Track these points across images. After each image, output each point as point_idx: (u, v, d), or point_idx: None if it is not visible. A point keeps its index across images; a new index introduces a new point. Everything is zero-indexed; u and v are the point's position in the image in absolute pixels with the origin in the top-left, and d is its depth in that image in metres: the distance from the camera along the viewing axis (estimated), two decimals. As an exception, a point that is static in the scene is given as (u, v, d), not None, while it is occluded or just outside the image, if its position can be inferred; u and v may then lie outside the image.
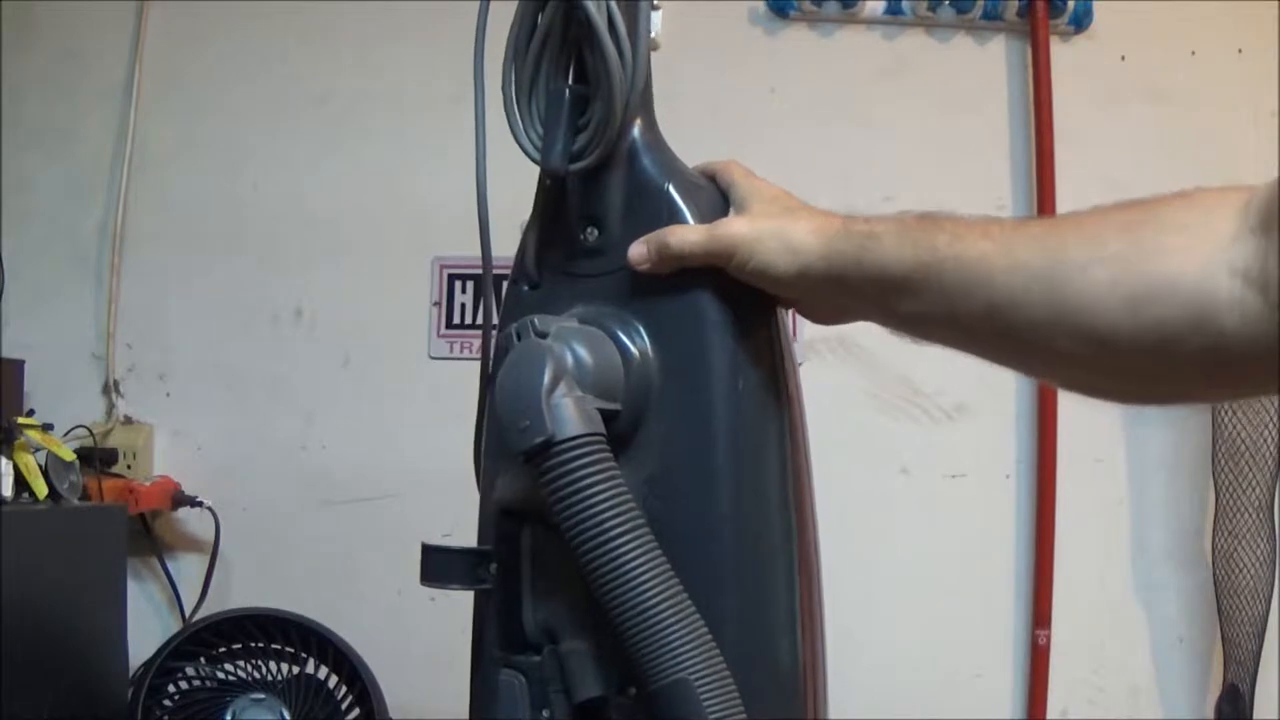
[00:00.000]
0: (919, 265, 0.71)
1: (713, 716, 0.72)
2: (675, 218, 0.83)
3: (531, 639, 0.83)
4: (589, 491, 0.74)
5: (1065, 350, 0.64)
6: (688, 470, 0.83)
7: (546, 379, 0.76)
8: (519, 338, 0.79)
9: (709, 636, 0.74)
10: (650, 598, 0.73)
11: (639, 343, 0.83)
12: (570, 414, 0.76)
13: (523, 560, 0.83)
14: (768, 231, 0.76)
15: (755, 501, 0.87)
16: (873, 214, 0.77)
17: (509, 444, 0.76)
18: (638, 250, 0.79)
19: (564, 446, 0.74)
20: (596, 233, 0.85)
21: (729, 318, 0.83)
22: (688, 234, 0.78)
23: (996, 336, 0.69)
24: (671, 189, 0.84)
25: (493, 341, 0.88)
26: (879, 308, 0.77)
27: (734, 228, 0.77)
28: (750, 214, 0.78)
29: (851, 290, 0.75)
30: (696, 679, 0.72)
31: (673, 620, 0.73)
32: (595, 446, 0.75)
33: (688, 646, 0.73)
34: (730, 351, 0.83)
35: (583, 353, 0.80)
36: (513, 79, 0.85)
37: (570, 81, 0.84)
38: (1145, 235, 0.62)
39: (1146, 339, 0.60)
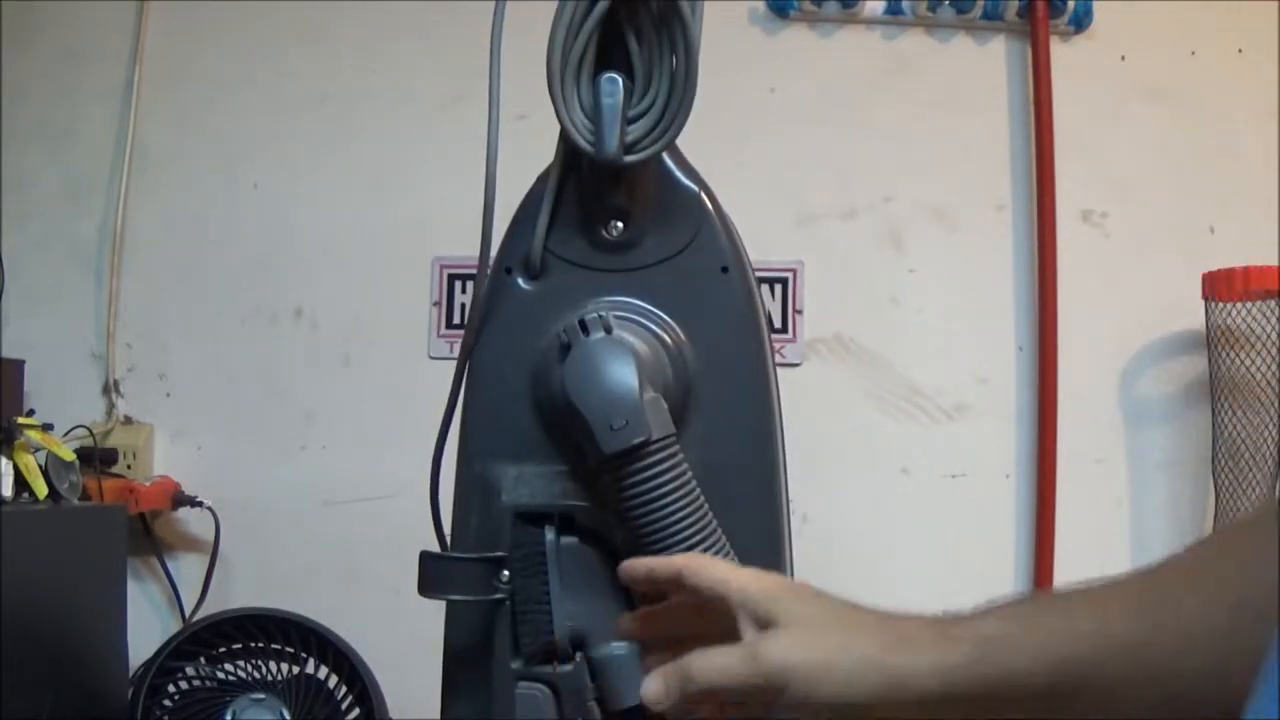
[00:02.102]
0: (1067, 662, 0.53)
1: None
2: (705, 222, 0.82)
3: (560, 648, 0.80)
4: (682, 491, 0.73)
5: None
6: (742, 459, 0.82)
7: (639, 377, 0.74)
8: (587, 331, 0.77)
9: None
10: None
11: (674, 336, 0.83)
12: (662, 413, 0.75)
13: (550, 566, 0.81)
14: (832, 656, 0.58)
15: (784, 489, 0.87)
16: (947, 609, 0.59)
17: (599, 444, 0.73)
18: (654, 688, 0.63)
19: (658, 445, 0.73)
20: (622, 227, 0.84)
21: (759, 311, 0.83)
22: (720, 661, 0.61)
23: None
24: (703, 195, 0.84)
25: (475, 336, 0.86)
26: None
27: (786, 653, 0.59)
28: (799, 633, 0.60)
29: (962, 711, 0.56)
30: None
31: None
32: (678, 445, 0.75)
33: None
34: (766, 344, 0.84)
35: (641, 347, 0.79)
36: (559, 70, 0.81)
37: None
38: None
39: None
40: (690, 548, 0.73)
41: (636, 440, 0.73)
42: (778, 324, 2.05)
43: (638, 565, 0.69)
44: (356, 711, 1.78)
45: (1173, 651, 0.50)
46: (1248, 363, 1.90)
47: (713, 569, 0.65)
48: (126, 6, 2.16)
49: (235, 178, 2.15)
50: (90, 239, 2.14)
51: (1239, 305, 1.90)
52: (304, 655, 1.78)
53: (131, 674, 1.83)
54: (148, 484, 1.99)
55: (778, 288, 2.06)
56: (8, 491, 1.61)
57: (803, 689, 0.58)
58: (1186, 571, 0.53)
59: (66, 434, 1.94)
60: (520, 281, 0.86)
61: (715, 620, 0.64)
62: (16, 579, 1.50)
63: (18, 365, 1.91)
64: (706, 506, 0.75)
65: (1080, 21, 2.09)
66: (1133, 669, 0.51)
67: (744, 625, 0.62)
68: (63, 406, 1.97)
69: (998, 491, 2.06)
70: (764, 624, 0.61)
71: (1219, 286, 1.92)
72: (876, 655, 0.57)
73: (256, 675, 1.76)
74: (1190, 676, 0.50)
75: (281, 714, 1.72)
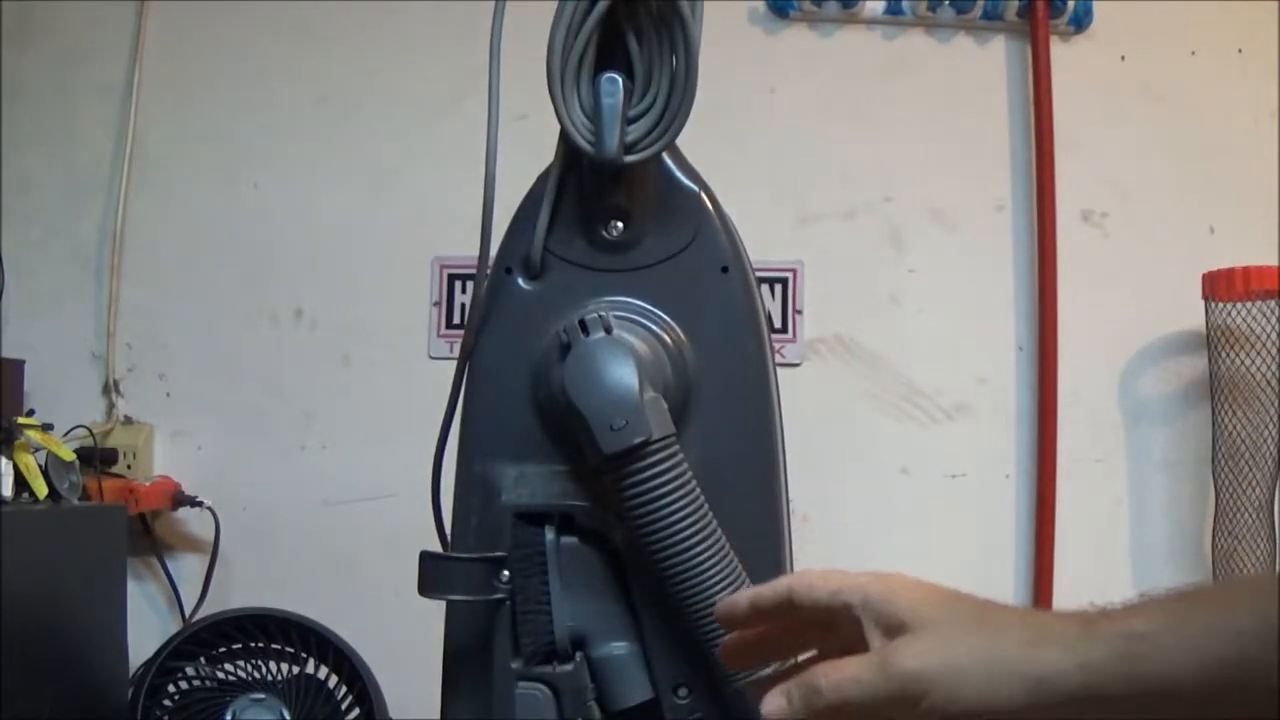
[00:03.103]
0: (1224, 665, 0.49)
1: None
2: (705, 222, 0.82)
3: (560, 648, 0.81)
4: (683, 491, 0.73)
5: None
6: (742, 459, 0.82)
7: (639, 377, 0.74)
8: (587, 331, 0.77)
9: None
10: None
11: (675, 336, 0.83)
12: (662, 413, 0.75)
13: (550, 566, 0.81)
14: (970, 659, 0.54)
15: (784, 489, 0.87)
16: (1094, 606, 0.56)
17: (599, 444, 0.73)
18: (775, 703, 0.58)
19: (659, 445, 0.74)
20: (622, 227, 0.84)
21: (759, 311, 0.83)
22: (850, 672, 0.56)
23: None
24: (703, 195, 0.84)
25: (475, 336, 0.86)
26: None
27: (922, 659, 0.55)
28: (933, 637, 0.56)
29: (1106, 712, 0.53)
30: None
31: None
32: (678, 445, 0.75)
33: None
34: (766, 344, 0.84)
35: (641, 347, 0.79)
36: (559, 70, 0.81)
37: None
38: None
39: None
40: (690, 548, 0.74)
41: (636, 440, 0.73)
42: (778, 324, 2.05)
43: (738, 602, 0.63)
44: (356, 711, 1.78)
45: None
46: (1248, 363, 1.90)
47: (827, 580, 0.60)
48: (126, 6, 2.16)
49: (235, 178, 2.15)
50: (90, 239, 2.14)
51: (1239, 305, 1.90)
52: (304, 655, 1.78)
53: (131, 674, 1.83)
54: (148, 484, 1.99)
55: (778, 288, 2.06)
56: (8, 491, 1.61)
57: (943, 696, 0.54)
58: None
59: (66, 434, 1.94)
60: (520, 281, 0.86)
61: (824, 637, 0.61)
62: (16, 579, 1.50)
63: (18, 365, 1.91)
64: (706, 506, 0.75)
65: (1080, 21, 2.09)
66: None
67: (870, 633, 0.57)
68: (63, 406, 1.97)
69: (998, 491, 2.06)
70: (892, 630, 0.57)
71: (1219, 286, 1.92)
72: (1019, 655, 0.53)
73: (256, 675, 1.76)
74: None
75: (281, 714, 1.72)
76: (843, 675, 0.56)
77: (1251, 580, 0.53)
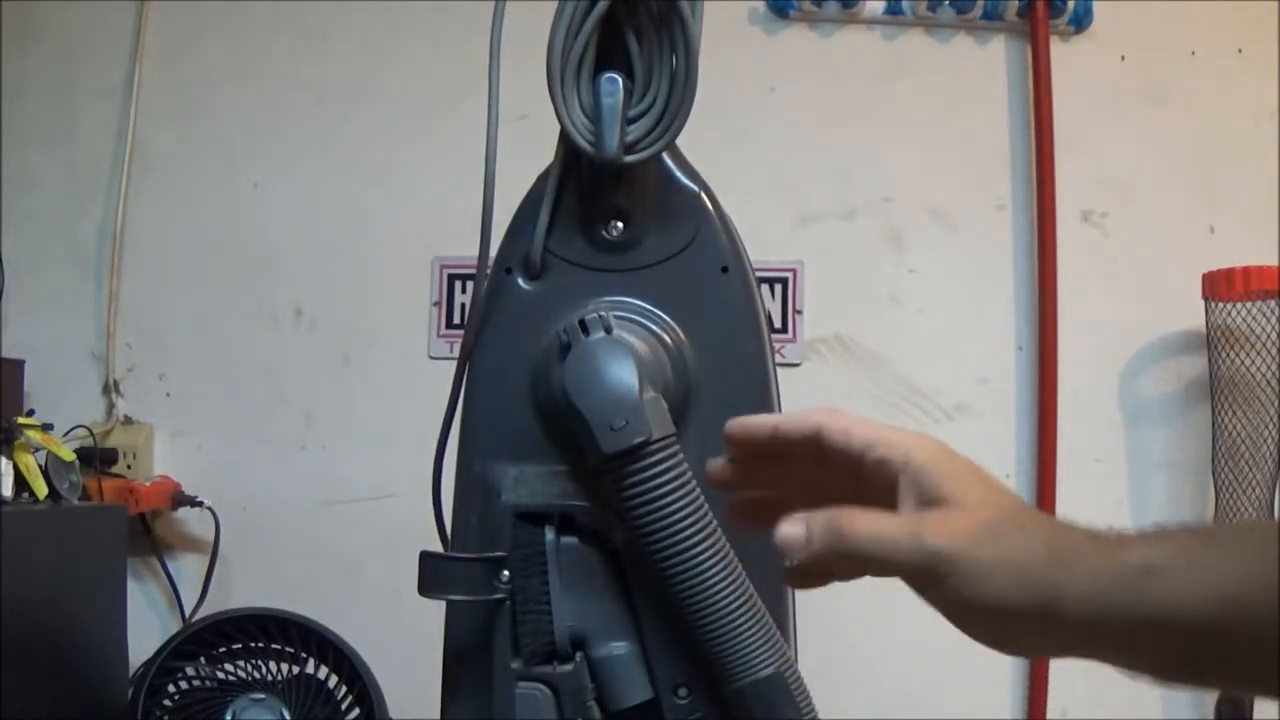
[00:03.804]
0: (1223, 603, 0.49)
1: (801, 702, 0.73)
2: (705, 222, 0.82)
3: (560, 648, 0.81)
4: (683, 491, 0.73)
5: None
6: None
7: (639, 377, 0.74)
8: (587, 331, 0.76)
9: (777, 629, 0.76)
10: (743, 595, 0.74)
11: (675, 336, 0.83)
12: (662, 413, 0.75)
13: (550, 566, 0.81)
14: (997, 556, 0.53)
15: None
16: (1106, 529, 0.55)
17: (599, 443, 0.73)
18: (793, 531, 0.56)
19: (659, 446, 0.74)
20: (622, 227, 0.84)
21: (759, 311, 0.83)
22: (880, 529, 0.55)
23: None
24: (703, 195, 0.84)
25: (475, 336, 0.86)
26: (1148, 656, 0.53)
27: (953, 541, 0.53)
28: (968, 522, 0.54)
29: (1112, 638, 0.52)
30: (786, 671, 0.74)
31: (760, 615, 0.74)
32: (678, 445, 0.75)
33: (775, 640, 0.74)
34: (766, 344, 0.84)
35: (641, 347, 0.79)
36: (559, 70, 0.81)
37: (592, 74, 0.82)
38: None
39: None
40: (690, 547, 0.73)
41: (636, 440, 0.73)
42: (778, 324, 2.05)
43: (759, 423, 0.60)
44: (356, 711, 1.78)
45: None
46: (1248, 363, 1.90)
47: (865, 428, 0.58)
48: (126, 6, 2.16)
49: (235, 178, 2.15)
50: (90, 239, 2.14)
51: (1239, 305, 1.90)
52: (304, 655, 1.78)
53: (131, 674, 1.83)
54: (148, 484, 1.99)
55: (778, 288, 2.06)
56: (8, 491, 1.61)
57: (963, 584, 0.52)
58: None
59: (66, 434, 1.94)
60: (520, 281, 0.86)
61: (845, 486, 0.58)
62: (16, 579, 1.50)
63: (18, 365, 1.91)
64: (707, 506, 0.75)
65: (1080, 21, 2.09)
66: None
67: (905, 495, 0.55)
68: (63, 406, 1.97)
69: (998, 491, 2.06)
70: (929, 500, 0.55)
71: (1219, 286, 1.92)
72: (1042, 570, 0.52)
73: (256, 675, 1.76)
74: None
75: (281, 714, 1.72)
76: (872, 527, 0.54)
77: (1259, 525, 0.53)
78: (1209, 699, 1.98)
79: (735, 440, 0.63)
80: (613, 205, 0.84)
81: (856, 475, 0.58)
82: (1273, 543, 0.50)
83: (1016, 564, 0.52)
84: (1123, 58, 2.12)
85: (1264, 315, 1.88)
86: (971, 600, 0.53)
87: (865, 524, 0.54)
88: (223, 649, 1.79)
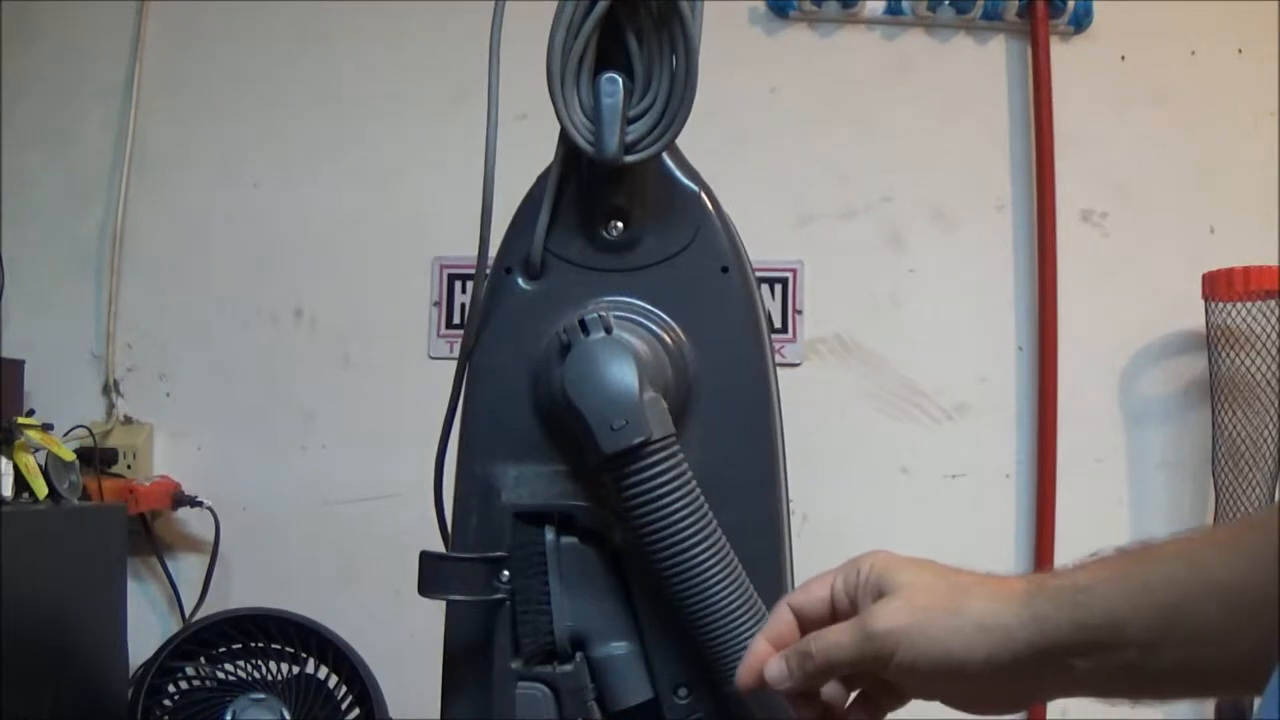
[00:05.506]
0: (1165, 609, 0.52)
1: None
2: (705, 222, 0.82)
3: (560, 648, 0.81)
4: (683, 491, 0.73)
5: None
6: (742, 460, 0.82)
7: (639, 377, 0.74)
8: (587, 331, 0.76)
9: None
10: (743, 595, 0.74)
11: (674, 336, 0.83)
12: (662, 413, 0.75)
13: (550, 566, 0.81)
14: (936, 612, 0.59)
15: (784, 489, 0.88)
16: (1050, 569, 0.60)
17: (599, 444, 0.73)
18: (776, 669, 0.64)
19: (658, 446, 0.73)
20: (622, 227, 0.84)
21: (759, 311, 0.83)
22: (834, 639, 0.62)
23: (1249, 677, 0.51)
24: (703, 195, 0.84)
25: (475, 336, 0.86)
26: (1096, 674, 0.56)
27: (892, 619, 0.59)
28: (905, 600, 0.61)
29: (1058, 662, 0.56)
30: None
31: (760, 615, 0.75)
32: (677, 445, 0.75)
33: None
34: (766, 344, 0.84)
35: (641, 347, 0.79)
36: (559, 70, 0.81)
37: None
38: None
39: None
40: (690, 547, 0.73)
41: (636, 440, 0.73)
42: (778, 324, 2.05)
43: (757, 658, 0.66)
44: (356, 711, 1.78)
45: (1267, 587, 0.49)
46: (1248, 363, 1.90)
47: (819, 578, 0.66)
48: (126, 6, 2.16)
49: (235, 178, 2.15)
50: (90, 239, 2.14)
51: (1239, 305, 1.90)
52: (304, 655, 1.78)
53: (131, 674, 1.83)
54: (148, 484, 1.99)
55: (778, 288, 2.06)
56: (8, 491, 1.61)
57: (910, 652, 0.58)
58: None
59: (66, 434, 1.94)
60: (520, 281, 0.86)
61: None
62: (16, 579, 1.50)
63: (18, 365, 1.91)
64: (706, 506, 0.75)
65: (1080, 21, 2.09)
66: (1228, 610, 0.51)
67: (863, 603, 0.63)
68: (63, 406, 1.97)
69: (998, 491, 2.06)
70: (878, 596, 0.62)
71: (1219, 286, 1.92)
72: (979, 611, 0.58)
73: (256, 675, 1.76)
74: None
75: (281, 714, 1.72)
76: (828, 640, 0.62)
77: (1185, 536, 0.56)
78: (1209, 699, 1.98)
79: (752, 684, 0.67)
80: (612, 205, 0.84)
81: (836, 614, 0.65)
82: (1205, 550, 0.53)
83: (953, 615, 0.58)
84: (1123, 58, 2.12)
85: (1264, 315, 1.88)
86: (926, 663, 0.58)
87: (823, 639, 0.62)
88: (223, 649, 1.79)
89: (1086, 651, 0.55)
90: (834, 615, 0.65)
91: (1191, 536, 0.55)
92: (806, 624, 0.66)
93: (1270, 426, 1.89)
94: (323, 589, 2.00)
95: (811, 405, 2.02)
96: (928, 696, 0.61)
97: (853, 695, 0.67)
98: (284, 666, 1.78)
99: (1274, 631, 0.49)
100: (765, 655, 0.66)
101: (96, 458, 1.93)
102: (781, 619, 0.67)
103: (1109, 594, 0.54)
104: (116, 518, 1.85)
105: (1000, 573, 0.62)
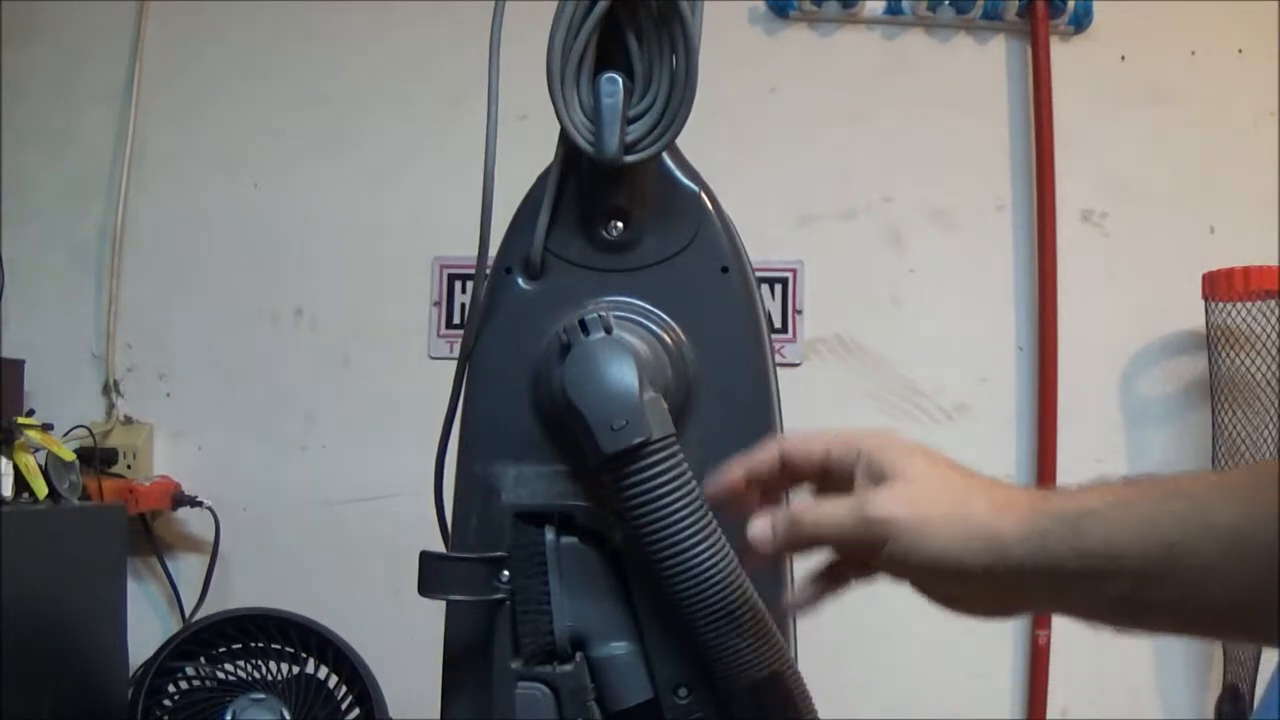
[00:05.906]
0: (1165, 545, 0.52)
1: (800, 703, 0.74)
2: (705, 222, 0.82)
3: (560, 648, 0.81)
4: (683, 491, 0.73)
5: None
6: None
7: (639, 377, 0.74)
8: (587, 331, 0.76)
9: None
10: (743, 595, 0.74)
11: (674, 336, 0.83)
12: (662, 413, 0.75)
13: (550, 566, 0.81)
14: (938, 514, 0.58)
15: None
16: (1058, 486, 0.60)
17: (599, 444, 0.73)
18: (760, 528, 0.64)
19: (658, 446, 0.74)
20: (622, 226, 0.84)
21: (759, 311, 0.83)
22: (829, 512, 0.61)
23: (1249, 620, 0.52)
24: (703, 195, 0.84)
25: (475, 336, 0.86)
26: (1088, 599, 0.56)
27: (891, 508, 0.59)
28: (908, 489, 0.60)
29: (1054, 583, 0.56)
30: (785, 671, 0.74)
31: (760, 615, 0.75)
32: (677, 445, 0.75)
33: (775, 640, 0.75)
34: (766, 344, 0.84)
35: (641, 347, 0.79)
36: (559, 70, 0.81)
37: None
38: None
39: None
40: (690, 548, 0.73)
41: (636, 440, 0.73)
42: (778, 324, 2.05)
43: (731, 475, 0.67)
44: (356, 711, 1.78)
45: (1268, 535, 0.49)
46: (1248, 363, 1.90)
47: (820, 434, 0.65)
48: (126, 6, 2.16)
49: (235, 178, 2.15)
50: (90, 239, 2.14)
51: (1239, 305, 1.90)
52: (304, 655, 1.78)
53: (131, 674, 1.84)
54: (148, 484, 1.99)
55: (778, 288, 2.06)
56: (8, 491, 1.61)
57: (903, 546, 0.57)
58: None
59: (66, 434, 1.94)
60: (520, 281, 0.86)
61: (818, 490, 0.66)
62: (16, 579, 1.50)
63: (18, 365, 1.91)
64: (706, 506, 0.75)
65: (1080, 21, 2.09)
66: (1227, 553, 0.50)
67: (859, 481, 0.62)
68: (63, 406, 1.97)
69: (998, 491, 2.06)
70: (877, 479, 0.61)
71: (1219, 286, 1.92)
72: (983, 519, 0.57)
73: (256, 675, 1.76)
74: None
75: (281, 714, 1.72)
76: (821, 512, 0.61)
77: (1191, 475, 0.55)
78: (1209, 699, 1.98)
79: (716, 501, 0.70)
80: (612, 205, 0.84)
81: (823, 480, 0.65)
82: (1210, 491, 0.53)
83: (957, 519, 0.57)
84: (1123, 58, 2.12)
85: (1264, 315, 1.88)
86: (919, 558, 0.57)
87: (816, 510, 0.62)
88: (223, 649, 1.79)
89: (1081, 577, 0.54)
90: (822, 483, 0.65)
91: (1197, 476, 0.55)
92: (789, 475, 0.66)
93: (1270, 426, 1.89)
94: (323, 589, 2.00)
95: (811, 405, 2.02)
96: (910, 587, 0.60)
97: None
98: (284, 666, 1.78)
99: (1271, 579, 0.49)
100: (736, 478, 0.67)
101: (96, 458, 1.93)
102: (767, 456, 0.66)
103: (1111, 523, 0.53)
104: (116, 518, 1.85)
105: (1005, 481, 0.61)
